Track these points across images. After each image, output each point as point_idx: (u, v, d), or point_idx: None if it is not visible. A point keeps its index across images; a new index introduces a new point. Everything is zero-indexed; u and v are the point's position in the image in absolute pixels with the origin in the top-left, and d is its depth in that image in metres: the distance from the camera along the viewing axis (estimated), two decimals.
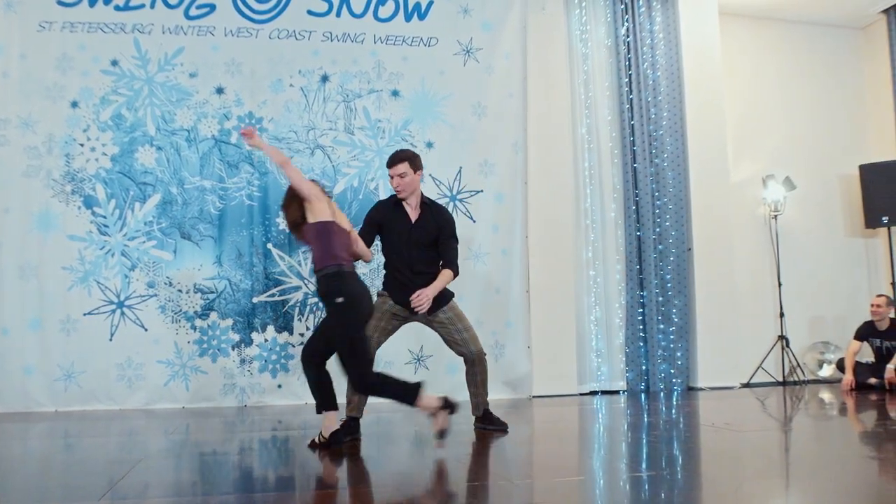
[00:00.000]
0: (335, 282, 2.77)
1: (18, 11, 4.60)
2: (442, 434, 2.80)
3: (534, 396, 4.78)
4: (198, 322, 4.52)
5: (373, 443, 3.24)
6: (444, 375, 4.52)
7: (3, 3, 4.59)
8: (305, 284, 4.63)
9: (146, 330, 4.48)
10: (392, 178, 3.22)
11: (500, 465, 2.81)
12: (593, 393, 4.99)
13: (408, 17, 4.93)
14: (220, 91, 4.67)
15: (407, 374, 4.48)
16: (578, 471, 2.68)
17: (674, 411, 4.17)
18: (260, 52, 4.73)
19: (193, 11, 4.72)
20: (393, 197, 3.34)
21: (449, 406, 2.79)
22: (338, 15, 4.83)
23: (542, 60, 5.03)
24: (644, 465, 2.61)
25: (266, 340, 4.57)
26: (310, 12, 4.80)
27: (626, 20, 5.24)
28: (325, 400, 2.96)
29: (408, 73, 4.85)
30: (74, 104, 4.56)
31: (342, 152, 4.74)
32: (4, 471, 2.86)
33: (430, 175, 4.74)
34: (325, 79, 4.77)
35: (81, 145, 4.54)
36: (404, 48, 4.88)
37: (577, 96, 5.15)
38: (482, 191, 4.85)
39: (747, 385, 5.36)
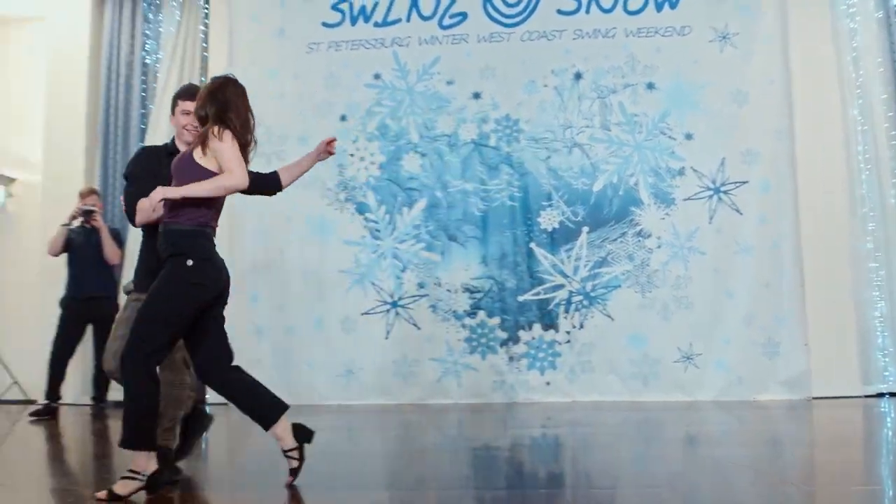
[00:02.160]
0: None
1: (289, 36, 6.77)
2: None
3: (814, 398, 6.05)
4: (467, 321, 6.32)
5: (638, 442, 4.33)
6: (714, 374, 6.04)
7: (276, 30, 6.79)
8: (569, 283, 6.32)
9: (419, 328, 6.35)
10: (187, 114, 3.31)
11: (781, 469, 3.38)
12: (880, 395, 6.15)
13: (658, 8, 6.53)
14: (476, 96, 6.53)
15: (676, 374, 6.05)
16: (868, 479, 3.14)
17: None
18: (512, 54, 6.52)
19: (447, 21, 6.65)
20: (167, 146, 3.48)
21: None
22: (587, 12, 6.54)
23: (805, 41, 6.40)
24: None
25: (533, 338, 6.26)
26: (559, 12, 6.55)
27: None
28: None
29: (662, 65, 6.43)
30: (343, 118, 6.62)
31: (600, 149, 6.40)
32: None
33: (692, 167, 6.27)
34: (578, 76, 6.48)
35: (352, 155, 6.57)
36: (657, 39, 6.48)
37: (847, 76, 6.46)
38: (747, 181, 6.30)
39: None
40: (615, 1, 6.52)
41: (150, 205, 2.96)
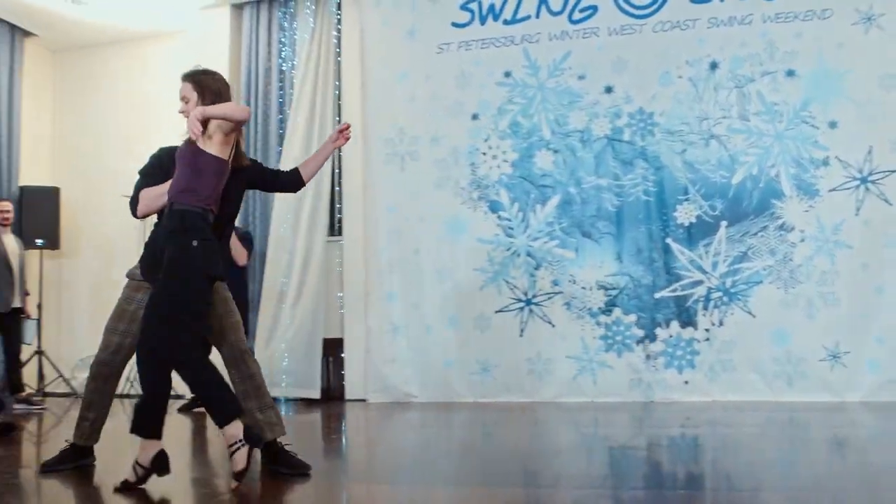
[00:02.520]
0: None
1: (420, 38, 7.26)
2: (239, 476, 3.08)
3: None
4: (602, 318, 6.64)
5: (782, 443, 4.37)
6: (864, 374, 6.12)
7: (406, 33, 7.30)
8: (707, 279, 6.53)
9: (553, 326, 6.72)
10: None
11: None
12: None
13: None
14: (609, 90, 6.82)
15: (822, 373, 6.15)
16: None
17: None
18: (645, 46, 6.77)
19: (577, 15, 6.97)
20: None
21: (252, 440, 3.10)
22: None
23: None
24: None
25: (671, 336, 6.51)
26: (693, 0, 6.78)
27: None
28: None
29: (802, 51, 6.51)
30: (475, 116, 7.06)
31: (738, 140, 6.55)
32: (431, 453, 4.39)
33: (837, 157, 6.34)
34: (713, 66, 6.65)
35: (484, 154, 7.00)
36: (797, 24, 6.57)
37: None
38: None
39: None
40: None
41: (190, 127, 3.16)
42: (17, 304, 7.11)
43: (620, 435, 4.89)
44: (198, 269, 3.14)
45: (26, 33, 8.37)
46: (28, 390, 7.44)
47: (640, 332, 6.57)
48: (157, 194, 3.49)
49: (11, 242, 7.20)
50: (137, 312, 3.51)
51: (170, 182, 3.33)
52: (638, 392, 6.50)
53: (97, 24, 8.28)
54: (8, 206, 7.24)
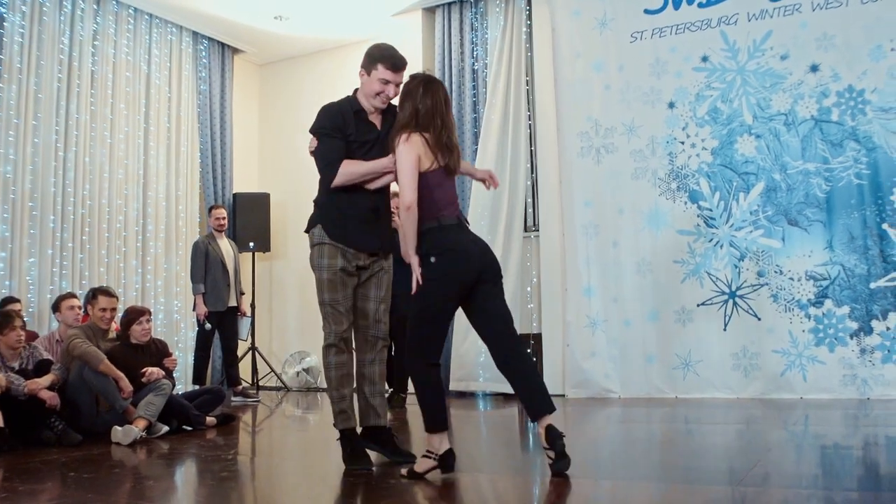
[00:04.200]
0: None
1: (612, 28, 8.00)
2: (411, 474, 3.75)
3: None
4: (812, 310, 7.05)
5: None
6: None
7: (598, 23, 8.06)
8: None
9: (759, 319, 7.20)
10: (391, 84, 4.05)
11: None
12: None
13: None
14: (814, 69, 7.22)
15: None
16: None
17: None
18: (852, 20, 7.04)
19: None
20: (349, 100, 4.20)
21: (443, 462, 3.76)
22: None
23: None
24: None
25: (888, 329, 6.79)
26: None
27: None
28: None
29: None
30: (671, 105, 7.71)
31: None
32: (632, 449, 4.66)
33: None
34: None
35: (682, 143, 7.63)
36: None
37: None
38: None
39: None
40: None
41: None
42: (232, 303, 8.50)
43: (833, 433, 5.00)
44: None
45: (235, 50, 9.98)
46: (244, 384, 8.85)
47: (854, 325, 6.88)
48: (363, 173, 4.01)
49: (227, 246, 8.61)
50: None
51: (376, 162, 3.97)
52: (852, 389, 6.80)
53: (298, 37, 9.75)
54: (223, 212, 8.68)
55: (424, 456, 3.74)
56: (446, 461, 3.73)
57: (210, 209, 8.74)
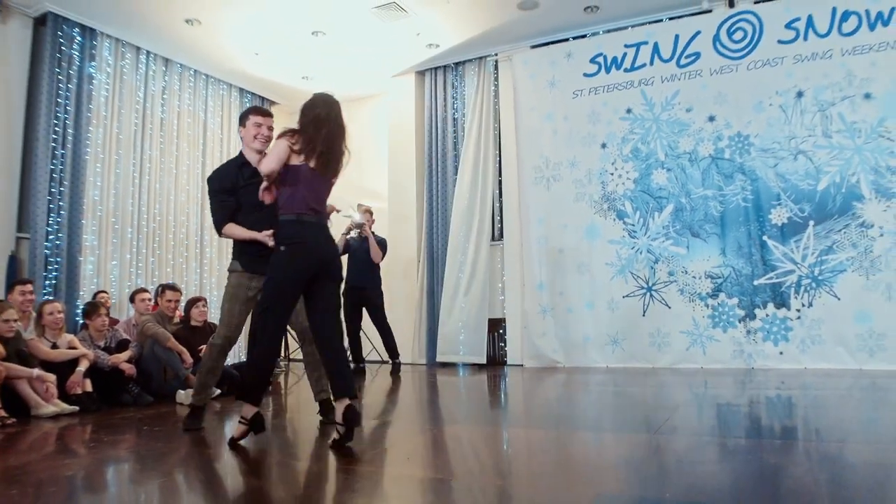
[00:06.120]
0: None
1: (559, 87, 8.08)
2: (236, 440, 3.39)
3: None
4: (709, 301, 7.13)
5: (865, 404, 4.34)
6: None
7: (548, 84, 8.13)
8: (798, 268, 6.86)
9: (670, 307, 7.29)
10: (263, 126, 3.90)
11: None
12: None
13: (871, 27, 6.82)
14: (711, 119, 7.32)
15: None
16: None
17: None
18: (741, 82, 7.23)
19: (683, 61, 7.52)
20: (235, 159, 3.97)
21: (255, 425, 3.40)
22: (805, 38, 7.05)
23: None
24: None
25: (767, 315, 6.91)
26: (780, 41, 7.13)
27: None
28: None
29: (878, 77, 6.72)
30: (603, 145, 7.78)
31: (822, 154, 6.87)
32: (574, 406, 4.85)
33: None
34: (800, 94, 7.01)
35: (611, 174, 7.70)
36: (871, 55, 6.80)
37: None
38: None
39: None
40: (830, 26, 6.95)
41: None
42: None
43: (726, 395, 5.05)
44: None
45: (272, 102, 9.96)
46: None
47: (742, 312, 7.01)
48: (239, 236, 3.88)
49: None
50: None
51: (251, 233, 3.79)
52: (740, 361, 6.95)
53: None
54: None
55: (239, 423, 3.40)
56: (257, 423, 3.40)
57: None
